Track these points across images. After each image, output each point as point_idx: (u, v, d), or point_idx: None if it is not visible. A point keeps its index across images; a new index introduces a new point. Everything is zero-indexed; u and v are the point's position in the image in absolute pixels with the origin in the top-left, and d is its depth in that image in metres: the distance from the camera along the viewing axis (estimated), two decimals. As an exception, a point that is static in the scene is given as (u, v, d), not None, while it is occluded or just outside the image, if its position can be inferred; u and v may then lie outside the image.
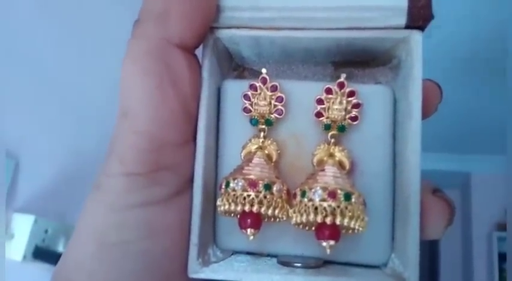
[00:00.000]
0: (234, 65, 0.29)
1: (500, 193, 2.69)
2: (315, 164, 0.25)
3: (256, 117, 0.25)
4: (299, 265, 0.25)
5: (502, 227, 2.69)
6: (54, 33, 0.89)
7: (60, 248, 0.83)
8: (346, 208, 0.22)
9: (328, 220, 0.22)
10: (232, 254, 0.27)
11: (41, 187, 0.85)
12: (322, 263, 0.26)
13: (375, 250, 0.25)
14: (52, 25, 0.88)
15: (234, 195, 0.23)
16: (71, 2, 0.93)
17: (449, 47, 1.72)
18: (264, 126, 0.25)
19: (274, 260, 0.26)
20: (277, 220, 0.24)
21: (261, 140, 0.25)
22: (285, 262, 0.25)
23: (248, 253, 0.27)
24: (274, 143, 0.25)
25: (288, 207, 0.24)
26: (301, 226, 0.24)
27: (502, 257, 2.62)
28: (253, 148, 0.25)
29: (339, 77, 0.25)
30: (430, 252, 2.97)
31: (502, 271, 2.60)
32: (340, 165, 0.24)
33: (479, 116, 2.18)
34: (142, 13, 0.23)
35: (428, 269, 2.96)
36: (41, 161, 0.85)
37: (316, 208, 0.22)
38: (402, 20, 0.24)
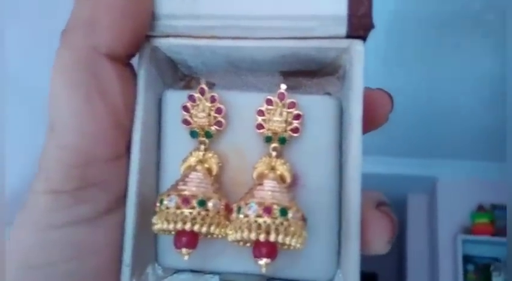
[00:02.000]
0: (181, 75, 0.26)
1: (465, 198, 2.69)
2: (255, 178, 0.22)
3: (196, 129, 0.23)
4: None
5: (466, 230, 2.68)
6: (23, 33, 0.84)
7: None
8: (282, 224, 0.19)
9: (262, 237, 0.19)
10: (174, 273, 0.24)
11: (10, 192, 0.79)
12: None
13: (320, 266, 0.23)
14: (19, 25, 0.83)
15: (168, 213, 0.20)
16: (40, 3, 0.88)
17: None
18: (204, 139, 0.23)
19: (217, 278, 0.23)
20: (218, 236, 0.21)
21: (201, 153, 0.22)
22: (227, 280, 0.22)
23: (191, 271, 0.24)
24: (216, 156, 0.23)
25: (227, 223, 0.21)
26: (241, 243, 0.21)
27: (466, 259, 2.61)
28: (193, 161, 0.22)
29: (287, 87, 0.22)
30: (397, 254, 2.95)
31: (466, 272, 2.59)
32: (281, 179, 0.22)
33: (446, 121, 2.17)
34: (70, 21, 0.20)
35: (396, 270, 2.94)
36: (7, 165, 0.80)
37: (250, 224, 0.19)
38: (342, 29, 0.21)
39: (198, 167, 0.22)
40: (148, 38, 0.22)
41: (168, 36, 0.22)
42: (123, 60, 0.21)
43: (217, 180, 0.22)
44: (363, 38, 0.21)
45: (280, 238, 0.19)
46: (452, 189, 2.72)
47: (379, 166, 2.02)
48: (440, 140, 2.40)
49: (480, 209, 2.71)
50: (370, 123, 0.22)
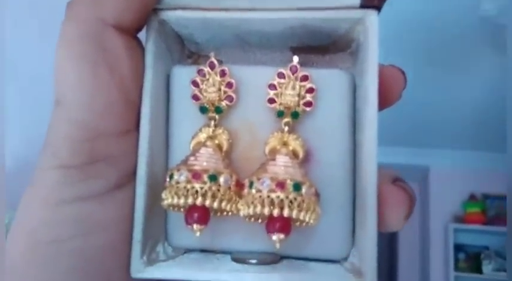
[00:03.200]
0: (188, 53, 0.24)
1: (457, 187, 2.69)
2: (267, 153, 0.21)
3: (205, 105, 0.21)
4: (254, 261, 0.21)
5: (458, 219, 2.68)
6: (14, 14, 0.81)
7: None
8: (296, 199, 0.18)
9: (275, 212, 0.18)
10: (185, 252, 0.23)
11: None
12: (279, 259, 0.21)
13: (334, 244, 0.21)
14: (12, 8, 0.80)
15: (178, 187, 0.19)
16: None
17: (411, 36, 1.68)
18: (214, 115, 0.21)
19: (229, 257, 0.22)
20: (229, 213, 0.20)
21: (211, 129, 0.21)
22: (239, 258, 0.21)
23: (202, 251, 0.23)
24: (226, 132, 0.21)
25: (238, 199, 0.20)
26: (252, 219, 0.20)
27: (458, 248, 2.62)
28: (203, 137, 0.21)
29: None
30: (388, 242, 2.95)
31: (457, 260, 2.59)
32: (294, 154, 0.20)
33: (439, 110, 2.16)
34: None
35: (387, 258, 2.94)
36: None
37: (263, 199, 0.18)
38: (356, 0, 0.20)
39: (208, 143, 0.20)
40: (155, 11, 0.21)
41: (175, 8, 0.21)
42: (131, 33, 0.20)
43: (228, 156, 0.21)
44: (378, 8, 0.20)
45: (293, 213, 0.18)
46: (444, 178, 2.72)
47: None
48: (433, 130, 2.40)
49: (472, 198, 2.71)
50: (383, 100, 0.21)
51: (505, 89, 1.62)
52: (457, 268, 2.56)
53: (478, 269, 2.55)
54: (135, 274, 0.20)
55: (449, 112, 2.19)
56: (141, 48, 0.21)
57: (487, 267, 2.53)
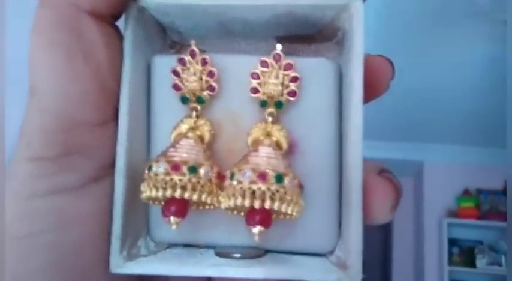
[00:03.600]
0: (171, 43, 0.23)
1: (451, 181, 2.69)
2: (249, 144, 0.20)
3: (186, 95, 0.20)
4: (237, 255, 0.20)
5: (452, 214, 2.68)
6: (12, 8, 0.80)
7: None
8: (278, 190, 0.17)
9: (257, 204, 0.17)
10: (167, 247, 0.22)
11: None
12: (264, 253, 0.21)
13: (320, 237, 0.21)
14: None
15: (157, 179, 0.18)
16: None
17: (405, 28, 1.67)
18: (195, 105, 0.20)
19: (212, 251, 0.21)
20: (211, 206, 0.20)
21: (193, 120, 0.20)
22: (223, 253, 0.20)
23: (185, 245, 0.22)
24: (208, 123, 0.20)
25: (220, 191, 0.19)
26: (234, 212, 0.20)
27: (452, 242, 2.62)
28: (184, 128, 0.20)
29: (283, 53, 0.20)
30: (382, 237, 2.96)
31: (451, 254, 2.60)
32: (278, 145, 0.20)
33: (433, 105, 2.16)
34: None
35: (381, 253, 2.94)
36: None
37: (244, 191, 0.17)
38: None
39: (190, 135, 0.20)
40: None
41: None
42: (107, 20, 0.19)
43: (209, 148, 0.20)
44: None
45: (275, 206, 0.17)
46: (439, 173, 2.72)
47: (366, 150, 2.01)
48: (427, 124, 2.40)
49: (466, 193, 2.72)
50: (370, 91, 0.20)
51: (503, 84, 1.62)
52: (451, 263, 2.57)
53: (472, 264, 2.56)
54: (114, 269, 0.19)
55: (444, 107, 2.19)
56: (119, 37, 0.20)
57: (480, 261, 2.54)
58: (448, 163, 2.72)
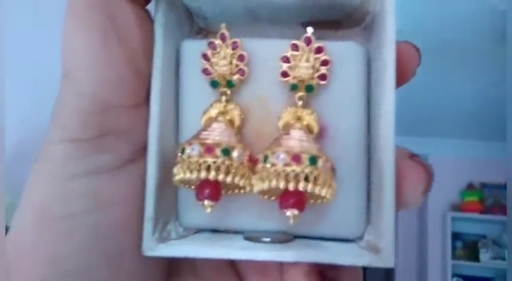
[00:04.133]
0: (197, 29, 0.23)
1: (455, 175, 2.69)
2: (280, 128, 0.20)
3: (216, 79, 0.20)
4: (267, 240, 0.20)
5: (455, 208, 2.68)
6: None
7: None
8: (312, 172, 0.17)
9: (291, 186, 0.17)
10: (196, 232, 0.22)
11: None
12: (293, 238, 0.21)
13: (349, 222, 0.20)
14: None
15: (190, 162, 0.18)
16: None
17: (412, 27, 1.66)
18: (225, 89, 0.20)
19: (241, 236, 0.21)
20: (241, 190, 0.20)
21: (222, 104, 0.20)
22: (252, 237, 0.20)
23: (213, 231, 0.22)
24: (238, 107, 0.20)
25: (251, 175, 0.19)
26: (265, 196, 0.20)
27: (455, 236, 2.62)
28: (214, 113, 0.20)
29: None
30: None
31: (454, 249, 2.60)
32: (308, 129, 0.20)
33: (438, 100, 2.15)
34: None
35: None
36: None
37: (278, 173, 0.17)
38: None
39: (220, 119, 0.20)
40: None
41: None
42: (141, 3, 0.19)
43: (240, 132, 0.20)
44: None
45: (309, 187, 0.17)
46: (443, 167, 2.71)
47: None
48: (432, 119, 2.39)
49: (469, 187, 2.71)
50: (398, 77, 0.20)
51: (505, 79, 1.62)
52: (454, 256, 2.57)
53: (476, 258, 2.56)
54: (147, 251, 0.19)
55: (448, 101, 2.18)
56: (151, 21, 0.20)
57: (484, 255, 2.54)
58: (453, 157, 2.72)
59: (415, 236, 2.89)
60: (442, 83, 2.03)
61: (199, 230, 0.22)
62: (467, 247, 2.64)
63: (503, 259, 2.50)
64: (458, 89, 2.07)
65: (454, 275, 2.53)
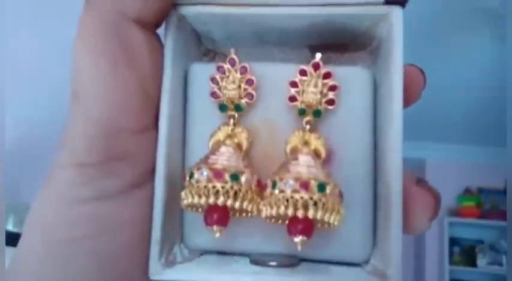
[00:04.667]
0: (204, 50, 0.23)
1: (452, 180, 2.69)
2: (288, 152, 0.20)
3: (225, 102, 0.20)
4: (274, 263, 0.20)
5: (453, 213, 2.68)
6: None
7: (9, 226, 0.73)
8: (320, 199, 0.17)
9: (300, 214, 0.17)
10: (201, 254, 0.22)
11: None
12: (299, 262, 0.21)
13: (355, 246, 0.21)
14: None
15: (198, 187, 0.18)
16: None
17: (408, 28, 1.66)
18: (233, 113, 0.20)
19: (247, 259, 0.21)
20: (248, 214, 0.20)
21: (230, 127, 0.20)
22: (258, 260, 0.20)
23: (218, 252, 0.22)
24: (245, 130, 0.20)
25: (259, 199, 0.19)
26: (273, 220, 0.20)
27: (452, 241, 2.63)
28: (222, 136, 0.20)
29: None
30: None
31: (452, 254, 2.60)
32: (316, 154, 0.20)
33: (436, 104, 2.16)
34: None
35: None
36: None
37: (287, 200, 0.17)
38: None
39: (228, 142, 0.20)
40: (175, 6, 0.20)
41: (196, 3, 0.20)
42: (151, 28, 0.19)
43: (247, 155, 0.20)
44: (402, 4, 0.19)
45: (318, 215, 0.17)
46: (440, 172, 2.72)
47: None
48: (429, 123, 2.39)
49: (467, 192, 2.72)
50: (403, 100, 0.20)
51: (504, 82, 1.62)
52: (451, 262, 2.57)
53: (473, 263, 2.56)
54: (153, 276, 0.19)
55: (446, 106, 2.19)
56: (160, 44, 0.20)
57: (481, 261, 2.55)
58: (450, 161, 2.73)
59: (412, 241, 2.89)
60: (440, 88, 2.04)
61: (205, 252, 0.22)
62: (464, 252, 2.64)
63: (501, 264, 2.50)
64: (455, 93, 2.07)
65: (451, 280, 2.53)
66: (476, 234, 2.67)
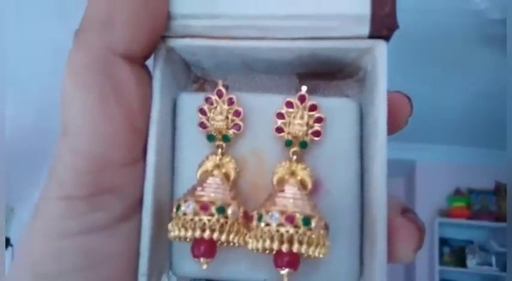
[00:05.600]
0: (194, 77, 0.24)
1: (442, 181, 2.71)
2: (275, 183, 0.20)
3: (213, 133, 0.21)
4: None
5: (443, 213, 2.70)
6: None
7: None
8: (305, 233, 0.18)
9: (285, 248, 0.17)
10: None
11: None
12: None
13: (342, 274, 0.21)
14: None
15: (185, 220, 0.18)
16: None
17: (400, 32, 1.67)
18: (221, 143, 0.21)
19: None
20: (235, 245, 0.20)
21: (218, 157, 0.21)
22: None
23: (207, 280, 0.22)
24: (233, 160, 0.21)
25: (246, 231, 0.19)
26: (259, 251, 0.20)
27: (442, 242, 2.65)
28: (209, 166, 0.21)
29: None
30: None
31: (442, 254, 2.63)
32: (302, 184, 0.20)
33: (426, 106, 2.17)
34: (83, 21, 0.18)
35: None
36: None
37: (272, 234, 0.18)
38: (365, 29, 0.19)
39: (215, 172, 0.20)
40: (163, 38, 0.20)
41: (184, 36, 0.20)
42: (140, 62, 0.19)
43: (235, 185, 0.21)
44: (386, 38, 0.20)
45: (303, 249, 0.18)
46: (430, 173, 2.74)
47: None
48: (420, 124, 2.41)
49: (457, 193, 2.74)
50: (389, 127, 0.21)
51: (501, 84, 1.63)
52: (441, 262, 2.59)
53: (463, 263, 2.58)
54: None
55: (437, 107, 2.20)
56: (149, 76, 0.20)
57: (471, 261, 2.57)
58: (440, 163, 2.74)
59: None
60: (430, 90, 2.05)
61: (194, 280, 0.22)
62: (454, 252, 2.66)
63: (490, 264, 2.53)
64: (446, 95, 2.09)
65: (441, 280, 2.55)
66: (466, 235, 2.70)
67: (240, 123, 0.21)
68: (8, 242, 1.16)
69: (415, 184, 2.80)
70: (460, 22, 1.55)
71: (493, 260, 2.52)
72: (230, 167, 0.21)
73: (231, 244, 0.20)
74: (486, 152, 2.63)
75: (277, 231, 0.18)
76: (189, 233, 0.18)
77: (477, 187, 2.71)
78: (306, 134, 0.20)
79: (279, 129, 0.20)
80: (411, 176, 2.85)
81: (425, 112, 2.23)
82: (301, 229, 0.18)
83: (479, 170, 2.68)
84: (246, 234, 0.19)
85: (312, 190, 0.20)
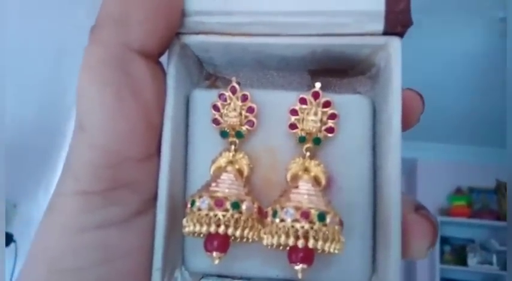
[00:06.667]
0: (206, 74, 0.24)
1: (443, 180, 2.72)
2: (288, 179, 0.20)
3: (226, 129, 0.21)
4: None
5: (444, 212, 2.71)
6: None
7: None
8: (320, 229, 0.18)
9: (300, 243, 0.18)
10: (202, 278, 0.22)
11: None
12: None
13: (355, 271, 0.21)
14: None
15: (200, 215, 0.18)
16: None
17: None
18: (234, 139, 0.21)
19: None
20: (249, 240, 0.20)
21: (231, 153, 0.21)
22: None
23: (219, 276, 0.22)
24: (246, 156, 0.21)
25: (260, 226, 0.19)
26: (274, 247, 0.20)
27: (443, 240, 2.65)
28: (223, 162, 0.21)
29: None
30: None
31: (442, 253, 2.63)
32: (316, 181, 0.20)
33: (427, 104, 2.17)
34: (99, 17, 0.18)
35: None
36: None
37: (288, 230, 0.18)
38: (379, 26, 0.19)
39: (229, 168, 0.20)
40: (177, 35, 0.20)
41: (198, 33, 0.20)
42: (155, 58, 0.19)
43: (248, 181, 0.21)
44: (401, 34, 0.20)
45: (318, 245, 0.18)
46: (431, 171, 2.74)
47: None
48: (421, 123, 2.40)
49: (458, 191, 2.74)
50: (402, 124, 0.21)
51: (498, 83, 1.63)
52: (442, 261, 2.59)
53: (463, 262, 2.59)
54: None
55: (438, 106, 2.20)
56: (163, 72, 0.20)
57: (472, 260, 2.57)
58: (441, 161, 2.75)
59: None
60: (432, 88, 2.05)
61: (206, 275, 0.22)
62: (455, 251, 2.67)
63: (491, 263, 2.53)
64: (447, 94, 2.09)
65: (442, 279, 2.55)
66: (467, 233, 2.70)
67: (254, 119, 0.21)
68: (11, 238, 1.16)
69: (416, 182, 2.80)
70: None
71: (494, 258, 2.52)
72: (243, 163, 0.21)
73: (245, 239, 0.20)
74: (487, 151, 2.63)
75: (292, 227, 0.18)
76: (204, 229, 0.18)
77: (478, 186, 2.72)
78: (320, 131, 0.20)
79: (293, 126, 0.20)
80: (412, 175, 2.85)
81: (426, 110, 2.24)
82: (316, 225, 0.18)
83: (480, 168, 2.69)
84: (260, 229, 0.19)
85: (326, 187, 0.20)
